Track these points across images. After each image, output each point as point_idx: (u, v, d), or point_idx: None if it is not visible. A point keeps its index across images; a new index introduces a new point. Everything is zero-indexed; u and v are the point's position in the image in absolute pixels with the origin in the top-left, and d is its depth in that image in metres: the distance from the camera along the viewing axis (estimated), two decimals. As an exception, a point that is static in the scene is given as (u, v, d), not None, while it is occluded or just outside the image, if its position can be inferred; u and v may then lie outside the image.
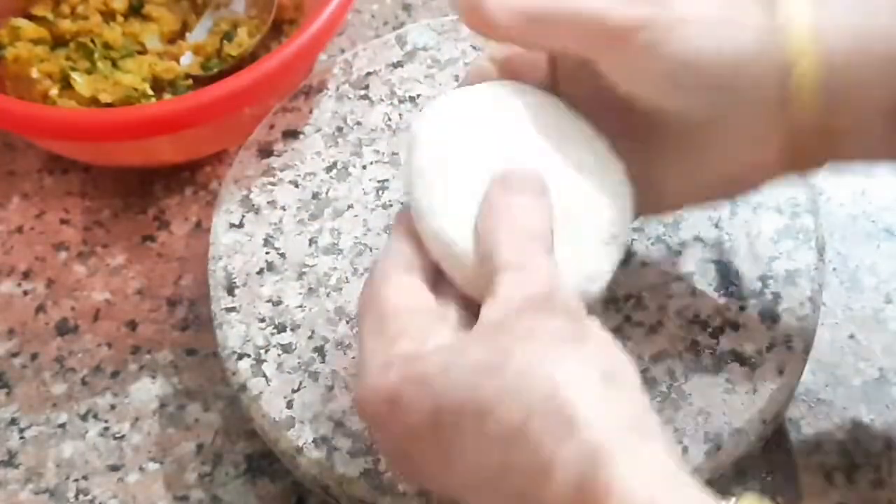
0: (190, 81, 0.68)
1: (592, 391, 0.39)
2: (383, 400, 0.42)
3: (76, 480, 0.58)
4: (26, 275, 0.66)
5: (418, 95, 0.63)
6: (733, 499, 0.38)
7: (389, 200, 0.60)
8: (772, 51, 0.43)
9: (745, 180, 0.48)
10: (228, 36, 0.70)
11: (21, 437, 0.60)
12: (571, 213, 0.46)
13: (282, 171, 0.61)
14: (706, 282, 0.55)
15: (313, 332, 0.55)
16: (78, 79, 0.66)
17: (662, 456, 0.39)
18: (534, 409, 0.38)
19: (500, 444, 0.39)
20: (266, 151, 0.62)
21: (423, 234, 0.46)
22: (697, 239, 0.57)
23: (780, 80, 0.43)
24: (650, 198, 0.49)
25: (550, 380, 0.39)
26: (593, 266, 0.46)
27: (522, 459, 0.38)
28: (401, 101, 0.63)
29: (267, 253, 0.58)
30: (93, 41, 0.68)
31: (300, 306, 0.56)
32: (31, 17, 0.70)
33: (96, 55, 0.68)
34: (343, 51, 0.72)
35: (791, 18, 0.43)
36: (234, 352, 0.55)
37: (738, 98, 0.44)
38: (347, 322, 0.56)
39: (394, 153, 0.61)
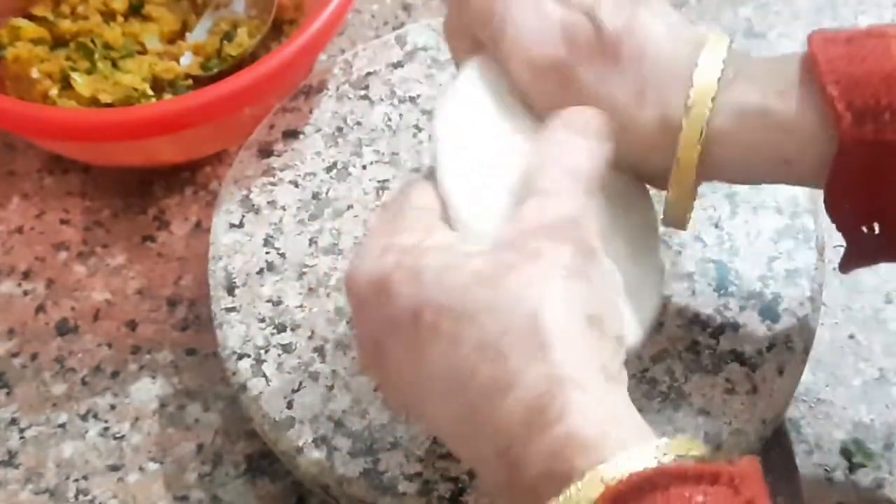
0: (190, 81, 0.68)
1: (573, 328, 0.40)
2: (372, 282, 0.42)
3: (76, 480, 0.58)
4: (26, 275, 0.66)
5: (418, 95, 0.63)
6: (664, 438, 0.38)
7: (389, 200, 0.60)
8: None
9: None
10: (228, 36, 0.70)
11: (21, 437, 0.60)
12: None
13: (282, 171, 0.61)
14: (706, 282, 0.55)
15: (313, 332, 0.55)
16: (78, 79, 0.66)
17: (623, 401, 0.40)
18: (512, 325, 0.39)
19: (471, 351, 0.40)
20: (266, 151, 0.62)
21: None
22: (697, 239, 0.57)
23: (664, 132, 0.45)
24: None
25: (537, 304, 0.39)
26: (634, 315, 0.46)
27: (489, 370, 0.39)
28: (401, 101, 0.63)
29: (267, 253, 0.58)
30: (93, 41, 0.68)
31: (300, 306, 0.56)
32: (31, 17, 0.70)
33: (96, 55, 0.68)
34: (343, 51, 0.72)
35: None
36: (234, 352, 0.55)
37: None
38: (347, 322, 0.56)
39: (394, 153, 0.61)
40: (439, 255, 0.42)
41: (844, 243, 0.48)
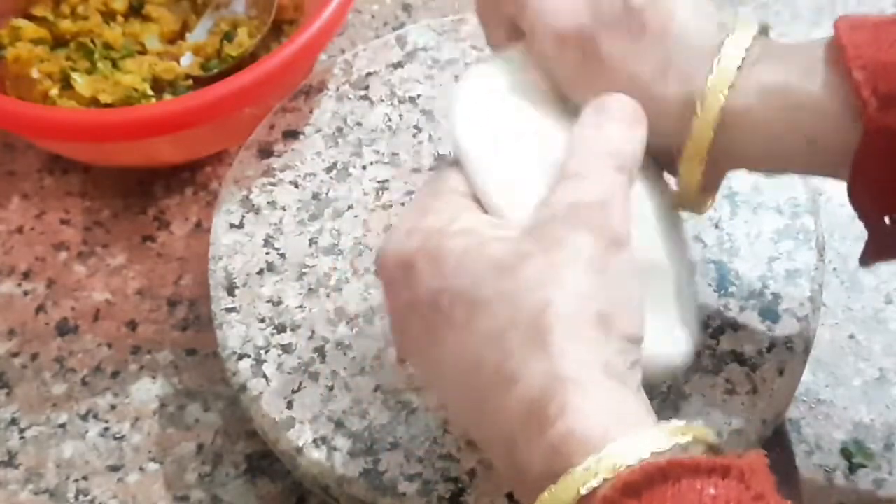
0: (190, 81, 0.68)
1: (580, 326, 0.39)
2: (399, 264, 0.42)
3: (76, 481, 0.58)
4: (26, 275, 0.66)
5: (418, 96, 0.63)
6: (673, 421, 0.38)
7: (389, 201, 0.60)
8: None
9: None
10: (228, 36, 0.70)
11: (21, 437, 0.60)
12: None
13: (282, 171, 0.61)
14: (706, 282, 0.55)
15: (313, 332, 0.55)
16: (78, 79, 0.66)
17: (628, 400, 0.39)
18: (519, 319, 0.39)
19: (479, 340, 0.40)
20: (266, 151, 0.62)
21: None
22: (697, 239, 0.57)
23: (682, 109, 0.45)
24: None
25: (545, 297, 0.39)
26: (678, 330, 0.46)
27: (494, 362, 0.39)
28: (401, 102, 0.63)
29: (267, 253, 0.58)
30: (93, 41, 0.68)
31: (300, 306, 0.56)
32: (31, 18, 0.70)
33: (96, 55, 0.68)
34: (343, 51, 0.72)
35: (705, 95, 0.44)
36: (234, 352, 0.55)
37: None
38: (347, 322, 0.56)
39: (394, 153, 0.61)
40: (463, 238, 0.41)
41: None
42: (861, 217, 0.46)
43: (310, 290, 0.57)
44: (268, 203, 0.60)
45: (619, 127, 0.44)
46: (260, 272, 0.58)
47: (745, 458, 0.36)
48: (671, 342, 0.46)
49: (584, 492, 0.36)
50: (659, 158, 0.48)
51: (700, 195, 0.48)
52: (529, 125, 0.46)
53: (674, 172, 0.47)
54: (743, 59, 0.44)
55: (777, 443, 0.56)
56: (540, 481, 0.37)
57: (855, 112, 0.42)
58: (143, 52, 0.69)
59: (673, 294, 0.46)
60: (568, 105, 0.47)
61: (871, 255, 0.48)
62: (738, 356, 0.53)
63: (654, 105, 0.45)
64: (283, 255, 0.58)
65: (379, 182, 0.60)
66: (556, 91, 0.48)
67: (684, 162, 0.46)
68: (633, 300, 0.41)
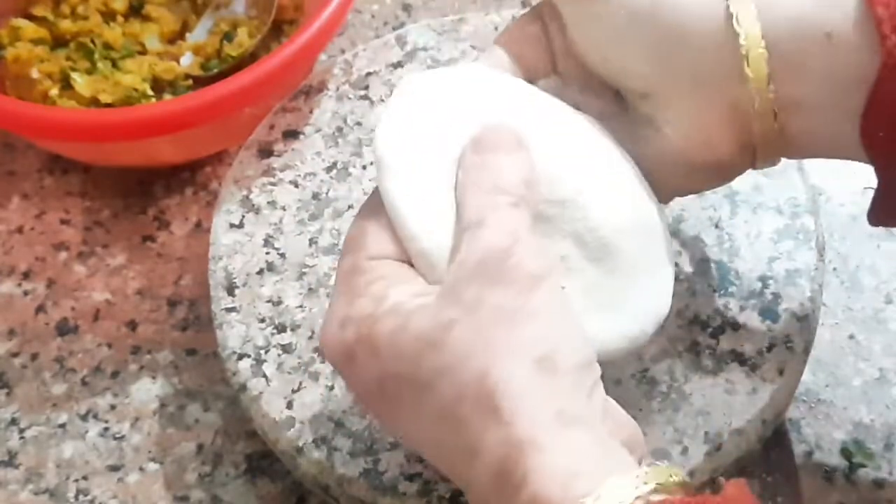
0: (190, 81, 0.68)
1: (522, 378, 0.39)
2: (340, 355, 0.42)
3: (76, 480, 0.58)
4: (26, 275, 0.66)
5: (418, 95, 0.63)
6: (644, 468, 0.38)
7: (389, 200, 0.60)
8: (717, 21, 0.44)
9: (706, 164, 0.47)
10: (228, 36, 0.70)
11: (21, 437, 0.60)
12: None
13: (282, 171, 0.61)
14: (706, 282, 0.55)
15: (313, 332, 0.55)
16: (78, 79, 0.66)
17: (589, 447, 0.39)
18: (465, 393, 0.39)
19: (434, 420, 0.40)
20: (266, 151, 0.62)
21: (393, 223, 0.43)
22: (697, 239, 0.57)
23: (722, 51, 0.44)
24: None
25: (483, 361, 0.39)
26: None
27: (452, 439, 0.40)
28: (401, 101, 0.63)
29: (267, 253, 0.58)
30: (93, 41, 0.68)
31: (300, 306, 0.56)
32: (31, 17, 0.70)
33: (96, 55, 0.68)
34: (343, 51, 0.72)
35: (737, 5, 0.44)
36: (234, 352, 0.55)
37: (680, 65, 0.45)
38: (347, 322, 0.56)
39: (394, 153, 0.61)
40: (391, 319, 0.41)
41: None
42: (871, 162, 0.45)
43: (310, 289, 0.57)
44: (268, 203, 0.60)
45: (499, 158, 0.43)
46: (260, 272, 0.58)
47: (723, 494, 0.36)
48: (668, 293, 0.47)
49: None
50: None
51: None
52: (454, 144, 0.44)
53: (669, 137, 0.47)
54: None
55: (777, 443, 0.56)
56: None
57: (875, 46, 0.42)
58: (143, 52, 0.69)
59: (665, 248, 0.47)
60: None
61: (881, 210, 0.47)
62: (738, 356, 0.53)
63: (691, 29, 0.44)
64: (283, 255, 0.58)
65: (379, 182, 0.60)
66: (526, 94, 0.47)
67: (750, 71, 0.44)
68: (569, 327, 0.41)
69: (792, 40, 0.44)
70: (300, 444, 0.52)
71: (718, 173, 0.48)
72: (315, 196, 0.60)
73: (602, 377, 0.41)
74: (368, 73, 0.65)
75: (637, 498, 0.36)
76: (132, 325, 0.63)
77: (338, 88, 0.64)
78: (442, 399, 0.39)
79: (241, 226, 0.60)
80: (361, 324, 0.41)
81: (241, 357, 0.55)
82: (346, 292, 0.43)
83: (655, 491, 0.37)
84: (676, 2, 0.45)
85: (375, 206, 0.44)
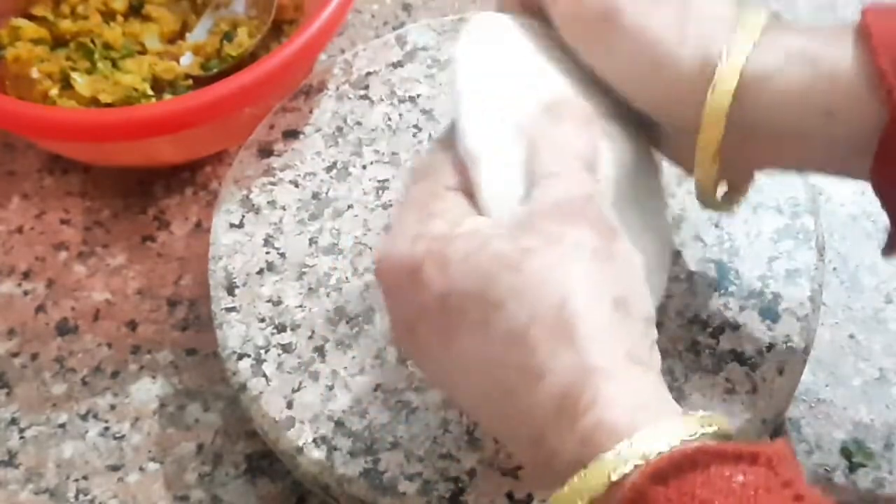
0: (190, 81, 0.68)
1: (601, 313, 0.39)
2: (404, 270, 0.42)
3: (76, 480, 0.58)
4: (26, 275, 0.66)
5: (418, 95, 0.64)
6: (700, 411, 0.38)
7: (389, 200, 0.60)
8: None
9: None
10: (228, 36, 0.70)
11: (21, 437, 0.60)
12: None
13: (282, 171, 0.61)
14: (706, 282, 0.55)
15: (313, 332, 0.55)
16: (78, 79, 0.66)
17: (652, 387, 0.39)
18: (540, 314, 0.39)
19: (500, 339, 0.40)
20: (266, 151, 0.62)
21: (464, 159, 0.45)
22: (697, 239, 0.57)
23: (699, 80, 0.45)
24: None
25: (562, 290, 0.39)
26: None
27: (518, 359, 0.39)
28: (401, 101, 0.63)
29: (267, 253, 0.58)
30: (93, 41, 0.68)
31: (300, 306, 0.56)
32: (31, 17, 0.70)
33: (96, 55, 0.68)
34: (343, 51, 0.72)
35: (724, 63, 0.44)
36: (234, 352, 0.55)
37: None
38: (347, 322, 0.56)
39: (394, 153, 0.61)
40: (466, 241, 0.41)
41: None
42: (884, 206, 0.46)
43: (310, 289, 0.57)
44: (268, 203, 0.60)
45: (575, 127, 0.44)
46: (260, 272, 0.58)
47: (772, 446, 0.36)
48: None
49: (614, 478, 0.36)
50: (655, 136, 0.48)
51: (717, 186, 0.48)
52: (529, 86, 0.46)
53: (683, 159, 0.48)
54: (768, 18, 0.44)
55: (777, 442, 0.56)
56: (570, 469, 0.37)
57: (875, 87, 0.42)
58: (143, 52, 0.69)
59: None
60: (573, 71, 0.47)
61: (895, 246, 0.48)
62: (738, 356, 0.53)
63: (670, 65, 0.45)
64: (283, 255, 0.58)
65: (379, 182, 0.60)
66: (564, 54, 0.48)
67: (703, 132, 0.45)
68: (641, 282, 0.42)
69: (792, 122, 0.45)
70: (300, 444, 0.52)
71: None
72: (315, 196, 0.60)
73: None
74: (368, 73, 0.65)
75: (702, 434, 0.37)
76: (132, 325, 0.63)
77: (338, 88, 0.64)
78: (513, 318, 0.39)
79: (241, 226, 0.60)
80: (434, 241, 0.42)
81: (241, 357, 0.55)
82: (420, 212, 0.43)
83: (715, 436, 0.37)
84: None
85: (450, 141, 0.45)
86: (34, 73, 0.67)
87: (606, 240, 0.41)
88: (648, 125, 0.49)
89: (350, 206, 0.60)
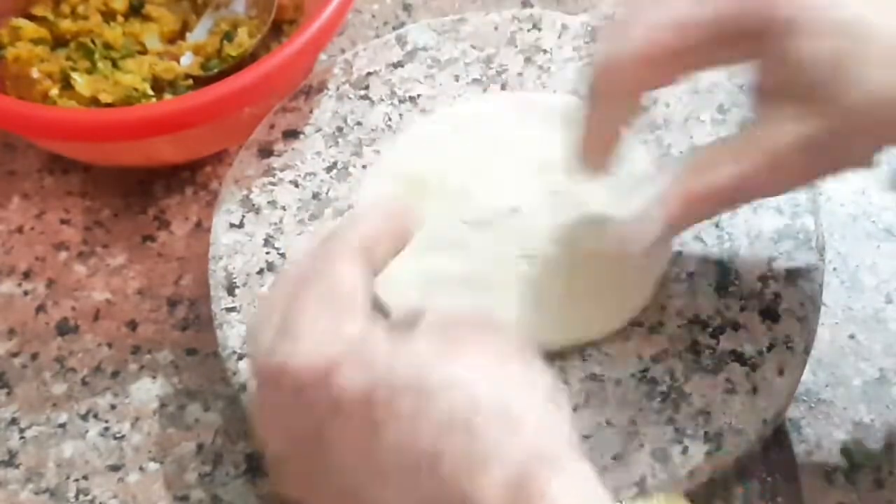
0: (190, 81, 0.68)
1: (538, 403, 0.40)
2: (318, 368, 0.41)
3: (76, 480, 0.58)
4: (26, 275, 0.66)
5: (418, 95, 0.64)
6: (653, 499, 0.39)
7: (389, 200, 0.60)
8: None
9: None
10: (228, 36, 0.70)
11: (21, 437, 0.60)
12: None
13: (282, 171, 0.61)
14: (706, 282, 0.55)
15: (313, 332, 0.55)
16: (78, 79, 0.66)
17: (593, 478, 0.40)
18: (482, 402, 0.39)
19: (439, 428, 0.39)
20: (266, 151, 0.62)
21: None
22: (697, 239, 0.57)
23: None
24: None
25: (501, 382, 0.40)
26: None
27: (461, 447, 0.39)
28: (401, 101, 0.63)
29: (267, 253, 0.58)
30: (93, 41, 0.68)
31: (300, 306, 0.56)
32: (31, 17, 0.70)
33: (96, 55, 0.68)
34: (343, 51, 0.72)
35: None
36: (235, 352, 0.55)
37: None
38: (347, 322, 0.56)
39: (394, 153, 0.62)
40: (390, 342, 0.41)
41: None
42: None
43: (310, 289, 0.57)
44: (268, 203, 0.60)
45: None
46: (260, 272, 0.58)
47: None
48: None
49: None
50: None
51: None
52: None
53: None
54: None
55: (777, 443, 0.56)
56: None
57: None
58: (143, 51, 0.69)
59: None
60: None
61: None
62: (738, 356, 0.53)
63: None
64: (283, 255, 0.58)
65: (379, 182, 0.60)
66: None
67: None
68: (558, 384, 0.43)
69: None
70: (300, 443, 0.52)
71: None
72: (315, 196, 0.60)
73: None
74: (368, 73, 0.65)
75: None
76: (132, 325, 0.63)
77: (338, 88, 0.64)
78: (453, 407, 0.39)
79: (241, 226, 0.60)
80: (354, 341, 0.41)
81: (241, 357, 0.55)
82: (327, 309, 0.43)
83: None
84: None
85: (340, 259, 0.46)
86: (34, 73, 0.67)
87: (519, 348, 0.43)
88: None
89: (350, 207, 0.60)
